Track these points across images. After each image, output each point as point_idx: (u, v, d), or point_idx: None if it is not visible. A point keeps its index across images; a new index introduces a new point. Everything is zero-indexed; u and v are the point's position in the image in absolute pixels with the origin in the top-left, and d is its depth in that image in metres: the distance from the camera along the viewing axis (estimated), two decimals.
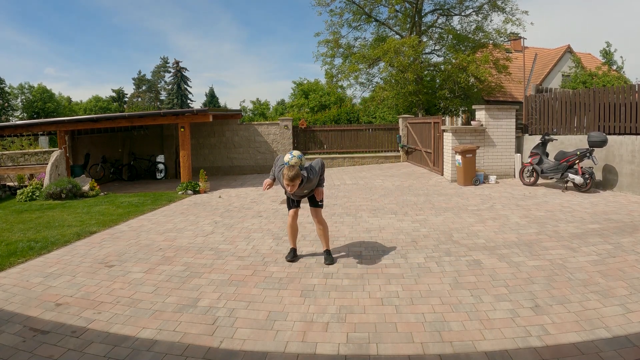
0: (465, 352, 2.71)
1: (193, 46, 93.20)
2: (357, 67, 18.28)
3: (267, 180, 4.52)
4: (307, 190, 4.35)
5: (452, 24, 19.43)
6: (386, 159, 15.71)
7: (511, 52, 20.68)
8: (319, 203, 4.51)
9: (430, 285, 3.81)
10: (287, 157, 4.34)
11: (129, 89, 63.91)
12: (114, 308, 3.49)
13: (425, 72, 19.23)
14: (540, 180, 9.50)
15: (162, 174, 13.83)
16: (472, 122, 10.45)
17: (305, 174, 4.16)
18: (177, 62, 58.87)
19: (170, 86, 59.03)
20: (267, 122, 15.37)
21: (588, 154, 7.97)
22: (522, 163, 9.97)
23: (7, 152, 14.04)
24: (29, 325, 3.20)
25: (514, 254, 4.57)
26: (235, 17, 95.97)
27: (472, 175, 9.57)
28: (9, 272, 4.42)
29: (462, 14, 18.76)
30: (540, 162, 8.87)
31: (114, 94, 57.37)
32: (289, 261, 4.54)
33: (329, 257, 4.50)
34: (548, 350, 2.69)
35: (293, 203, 4.58)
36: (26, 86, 48.00)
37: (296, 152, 4.36)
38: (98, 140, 13.39)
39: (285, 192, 4.55)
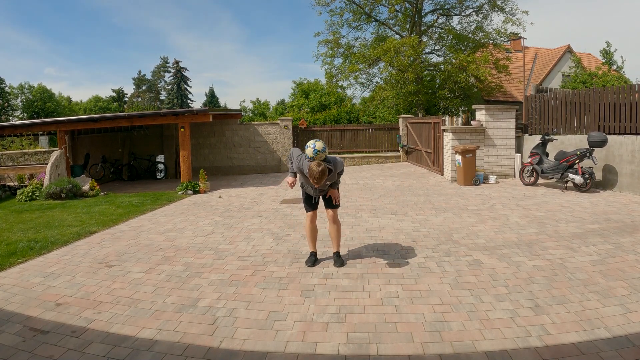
0: (465, 352, 2.71)
1: (193, 46, 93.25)
2: (357, 67, 18.29)
3: (289, 179, 4.39)
4: (329, 182, 4.23)
5: (452, 24, 19.45)
6: (386, 159, 15.71)
7: (511, 52, 20.71)
8: (335, 204, 4.45)
9: (430, 285, 3.81)
10: (309, 151, 4.09)
11: (129, 89, 63.93)
12: (114, 308, 3.49)
13: (425, 72, 19.23)
14: (540, 180, 9.50)
15: (162, 174, 13.83)
16: (472, 122, 10.44)
17: (331, 167, 4.09)
18: (177, 62, 58.86)
19: (170, 86, 59.00)
20: (267, 122, 15.38)
21: (588, 154, 7.97)
22: (522, 163, 9.97)
23: (7, 152, 14.03)
24: (29, 325, 3.19)
25: (514, 254, 4.57)
26: (235, 17, 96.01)
27: (472, 175, 9.57)
28: (9, 272, 4.42)
29: (462, 14, 18.77)
30: (540, 162, 8.87)
31: (114, 94, 57.34)
32: (310, 266, 4.38)
33: (339, 259, 4.43)
34: (548, 350, 2.69)
35: (311, 205, 4.45)
36: (26, 86, 48.00)
37: (319, 145, 4.10)
38: (98, 140, 13.39)
39: (303, 186, 4.44)
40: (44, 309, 3.48)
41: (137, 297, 3.71)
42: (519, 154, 10.47)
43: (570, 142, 9.17)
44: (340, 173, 4.34)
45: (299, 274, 4.17)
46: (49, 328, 3.15)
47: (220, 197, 9.28)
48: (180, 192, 9.74)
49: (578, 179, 8.05)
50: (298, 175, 4.40)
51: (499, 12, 17.95)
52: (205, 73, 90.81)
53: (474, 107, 11.10)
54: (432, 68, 19.73)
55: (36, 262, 4.76)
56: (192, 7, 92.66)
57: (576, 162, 8.16)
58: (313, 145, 4.11)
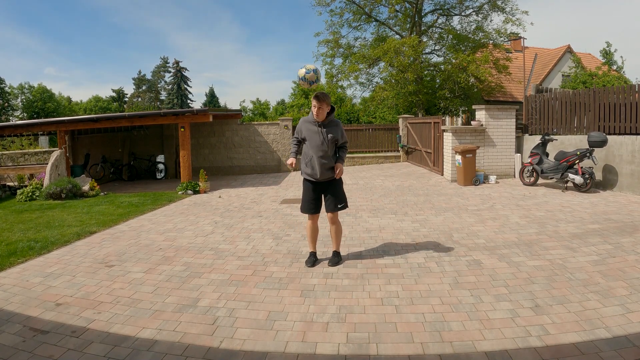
0: (465, 352, 2.71)
1: (193, 46, 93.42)
2: (357, 67, 18.30)
3: (290, 160, 4.25)
4: (331, 135, 4.10)
5: (452, 24, 19.48)
6: (386, 159, 15.71)
7: (511, 52, 20.71)
8: (338, 206, 4.28)
9: (430, 285, 3.81)
10: (301, 71, 4.10)
11: (129, 89, 64.09)
12: (114, 308, 3.49)
13: (425, 72, 19.24)
14: (540, 180, 9.50)
15: (162, 174, 13.83)
16: (472, 122, 10.44)
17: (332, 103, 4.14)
18: (177, 62, 58.90)
19: (170, 86, 59.05)
20: (267, 122, 15.38)
21: (588, 154, 7.97)
22: (522, 163, 9.97)
23: (7, 152, 14.05)
24: (29, 325, 3.19)
25: (514, 254, 4.57)
26: (235, 17, 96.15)
27: (472, 175, 9.57)
28: (9, 272, 4.42)
29: (462, 14, 18.80)
30: (540, 162, 8.86)
31: (114, 94, 57.40)
32: (309, 267, 4.33)
33: (334, 258, 4.42)
34: (548, 350, 2.69)
35: (312, 206, 4.30)
36: (26, 86, 48.06)
37: (310, 66, 4.15)
38: (98, 140, 13.39)
39: (305, 180, 4.28)
40: (44, 309, 3.48)
41: (137, 297, 3.70)
42: (519, 154, 10.47)
43: (570, 142, 9.17)
44: (345, 144, 4.27)
45: (299, 274, 4.17)
46: (49, 328, 3.15)
47: (220, 197, 9.28)
48: (180, 192, 9.74)
49: (578, 179, 8.05)
50: (301, 148, 4.32)
51: (499, 12, 17.98)
52: (205, 73, 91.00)
53: (474, 107, 11.10)
54: (432, 68, 19.74)
55: (36, 262, 4.76)
56: (192, 7, 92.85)
57: (576, 162, 8.15)
58: (303, 67, 4.20)
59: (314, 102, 4.06)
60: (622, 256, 4.38)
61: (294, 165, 4.26)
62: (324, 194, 4.35)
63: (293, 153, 4.35)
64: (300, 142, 4.33)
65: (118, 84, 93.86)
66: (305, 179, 4.35)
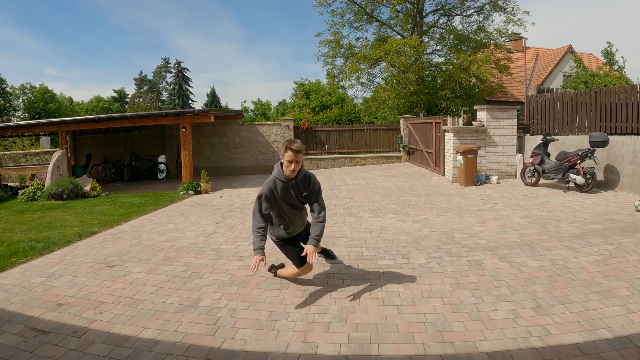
0: (466, 352, 2.71)
1: (194, 46, 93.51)
2: (358, 68, 18.28)
3: (260, 256, 3.24)
4: (306, 193, 3.52)
5: (453, 24, 19.46)
6: (387, 159, 15.71)
7: (512, 52, 20.66)
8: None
9: (431, 285, 3.81)
10: None
11: (131, 90, 64.02)
12: (115, 308, 3.49)
13: (427, 73, 19.22)
14: (542, 181, 9.48)
15: (164, 174, 13.85)
16: (473, 123, 10.44)
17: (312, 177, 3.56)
18: (179, 63, 58.91)
19: (171, 86, 59.06)
20: (269, 123, 15.38)
21: (589, 154, 7.95)
22: (524, 163, 9.95)
23: (9, 152, 14.09)
24: (31, 325, 3.20)
25: (515, 254, 4.56)
26: (236, 17, 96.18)
27: (473, 176, 9.56)
28: (11, 272, 4.43)
29: (464, 14, 18.77)
30: (541, 162, 8.85)
31: (115, 95, 57.45)
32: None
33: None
34: (549, 350, 2.69)
35: (299, 255, 3.62)
36: (27, 86, 48.11)
37: None
38: (99, 140, 13.41)
39: (279, 242, 3.75)
40: (45, 309, 3.48)
41: (139, 297, 3.71)
42: (520, 154, 10.45)
43: (571, 143, 9.15)
44: (323, 214, 3.53)
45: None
46: (50, 328, 3.15)
47: (221, 197, 9.28)
48: (181, 193, 9.75)
49: (579, 179, 8.03)
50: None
51: (500, 13, 17.95)
52: (206, 73, 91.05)
53: (475, 107, 11.08)
54: (433, 68, 19.71)
55: (38, 262, 4.77)
56: (192, 7, 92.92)
57: (578, 162, 8.14)
58: None
59: (291, 157, 3.37)
60: (623, 256, 4.37)
61: (264, 263, 3.29)
62: (302, 240, 3.84)
63: (260, 249, 3.26)
64: (266, 226, 3.43)
65: (119, 84, 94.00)
66: (279, 242, 3.77)
